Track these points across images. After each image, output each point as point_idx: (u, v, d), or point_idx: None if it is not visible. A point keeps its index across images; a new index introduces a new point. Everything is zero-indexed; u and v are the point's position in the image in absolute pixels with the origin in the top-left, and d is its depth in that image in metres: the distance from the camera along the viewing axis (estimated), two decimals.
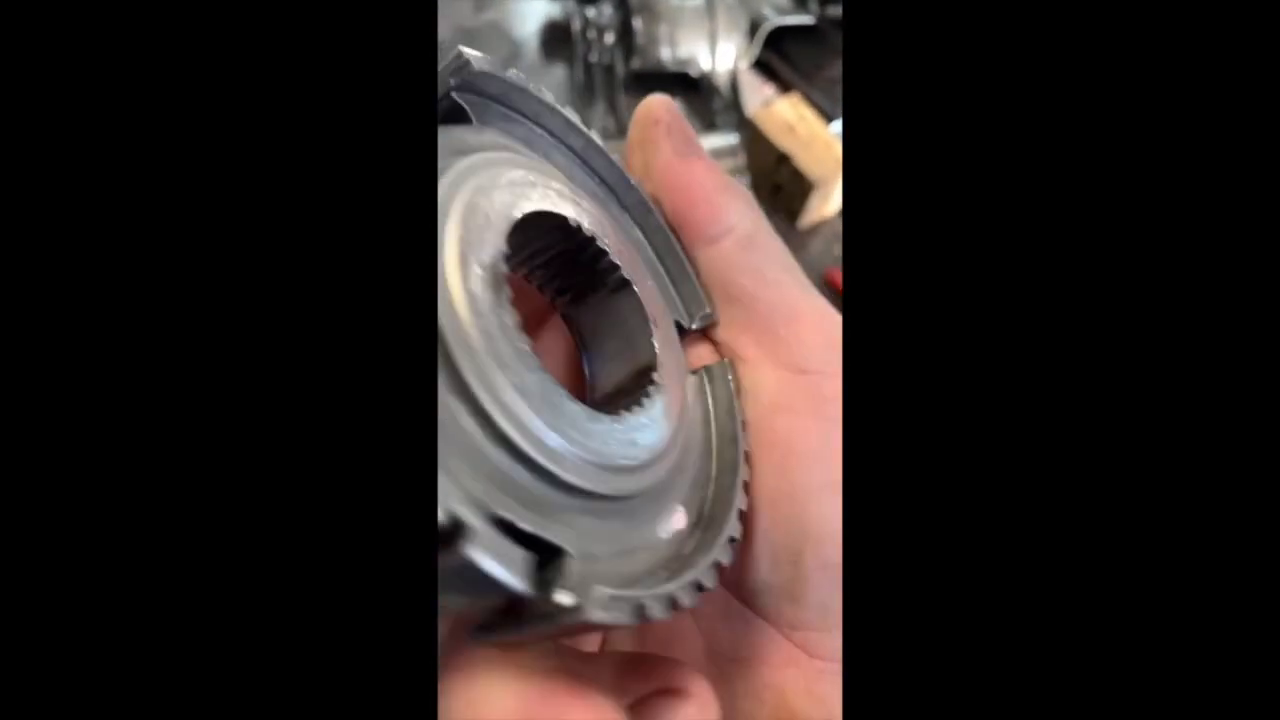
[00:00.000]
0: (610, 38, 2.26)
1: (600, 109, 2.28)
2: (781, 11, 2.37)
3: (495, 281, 0.37)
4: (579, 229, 0.44)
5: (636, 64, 2.28)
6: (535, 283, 0.52)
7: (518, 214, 0.40)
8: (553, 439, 0.37)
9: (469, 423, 0.35)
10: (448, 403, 0.35)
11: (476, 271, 0.37)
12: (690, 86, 2.30)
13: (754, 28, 2.31)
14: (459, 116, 0.43)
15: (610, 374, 0.51)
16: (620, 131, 2.23)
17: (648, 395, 0.44)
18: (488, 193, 0.39)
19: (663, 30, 2.26)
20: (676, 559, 0.42)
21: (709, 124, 2.21)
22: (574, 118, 0.48)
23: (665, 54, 2.28)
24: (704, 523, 0.45)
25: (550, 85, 2.55)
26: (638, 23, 2.25)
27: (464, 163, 0.40)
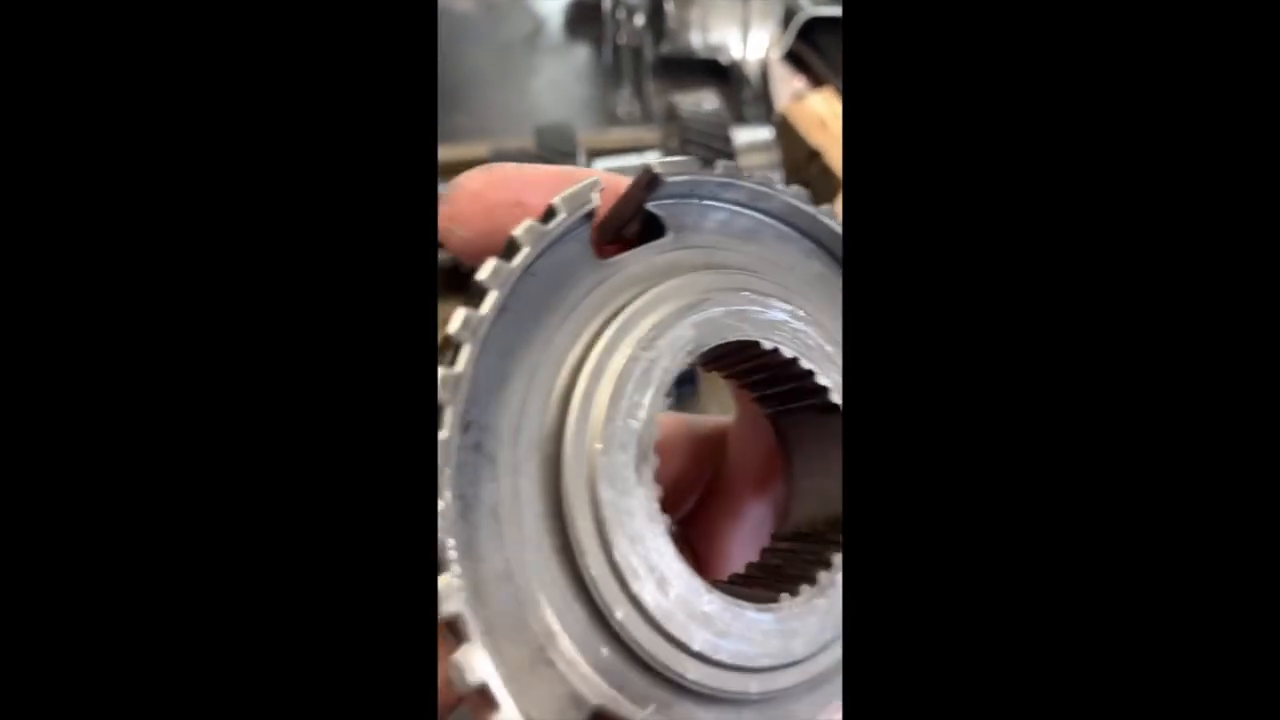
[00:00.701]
0: (640, 19, 2.19)
1: (626, 93, 2.21)
2: (817, 1, 2.30)
3: (643, 452, 0.32)
4: (775, 351, 0.37)
5: (666, 48, 2.22)
6: (736, 382, 0.44)
7: (688, 358, 0.35)
8: (684, 634, 0.32)
9: (581, 613, 0.31)
10: (566, 592, 0.31)
11: (621, 440, 0.32)
12: (719, 74, 2.24)
13: (788, 17, 2.24)
14: (653, 230, 0.38)
15: (803, 507, 0.43)
16: (646, 117, 2.17)
17: (827, 567, 0.35)
18: (655, 338, 0.35)
19: (695, 15, 2.20)
20: None
21: (737, 115, 2.15)
22: (796, 201, 0.40)
23: (696, 39, 2.22)
24: None
25: (574, 66, 2.49)
26: (669, 5, 2.18)
27: (632, 307, 0.35)
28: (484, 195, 0.39)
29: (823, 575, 0.35)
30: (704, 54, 2.23)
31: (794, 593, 0.34)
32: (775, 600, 0.34)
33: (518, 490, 0.32)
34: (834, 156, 1.90)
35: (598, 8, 2.27)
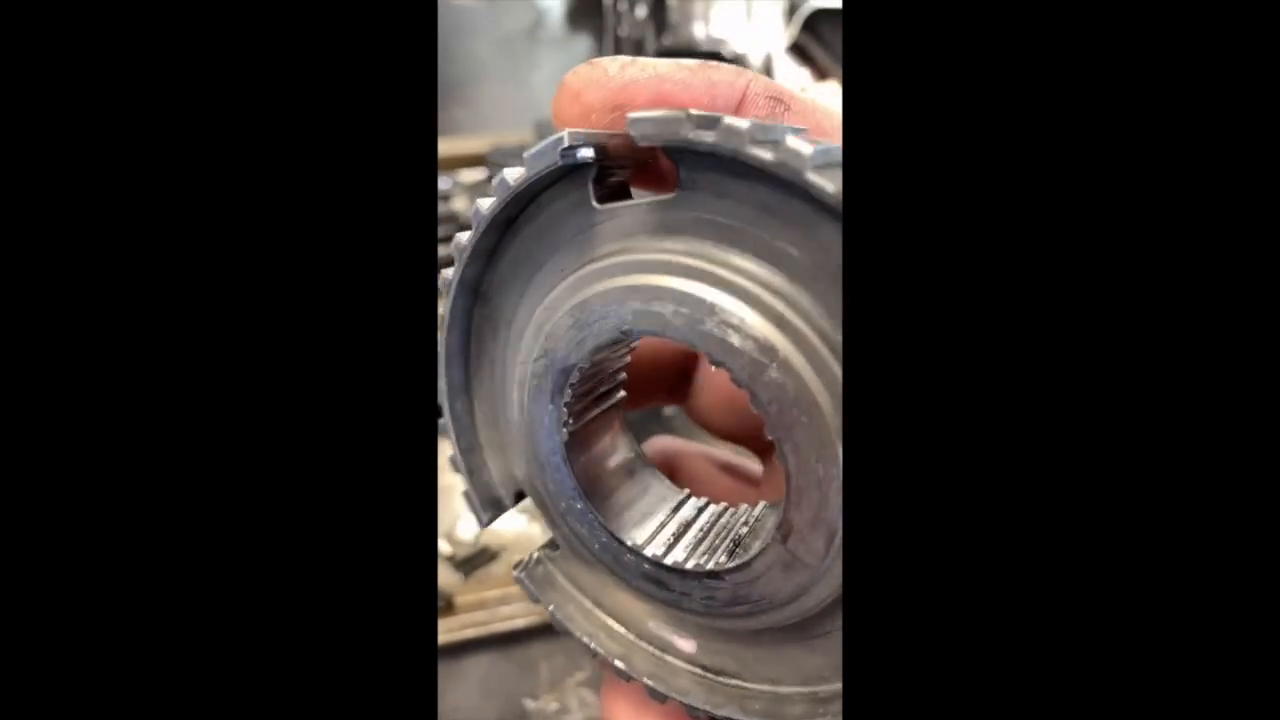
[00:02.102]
0: (642, 10, 2.17)
1: None
2: None
3: (558, 387, 0.41)
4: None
5: (668, 40, 2.19)
6: None
7: (620, 334, 0.38)
8: (549, 455, 0.45)
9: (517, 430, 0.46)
10: (516, 419, 0.45)
11: (544, 370, 0.41)
12: None
13: (792, 9, 2.22)
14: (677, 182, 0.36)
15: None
16: None
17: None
18: (595, 305, 0.39)
19: (697, 7, 2.17)
20: None
21: None
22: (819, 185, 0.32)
23: (699, 31, 2.20)
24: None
25: (575, 59, 2.46)
26: None
27: (598, 264, 0.39)
28: (582, 97, 0.40)
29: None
30: (707, 46, 2.21)
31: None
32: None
33: (505, 356, 0.45)
34: None
35: (599, 0, 2.25)
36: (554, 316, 0.40)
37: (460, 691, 1.46)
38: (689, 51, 2.23)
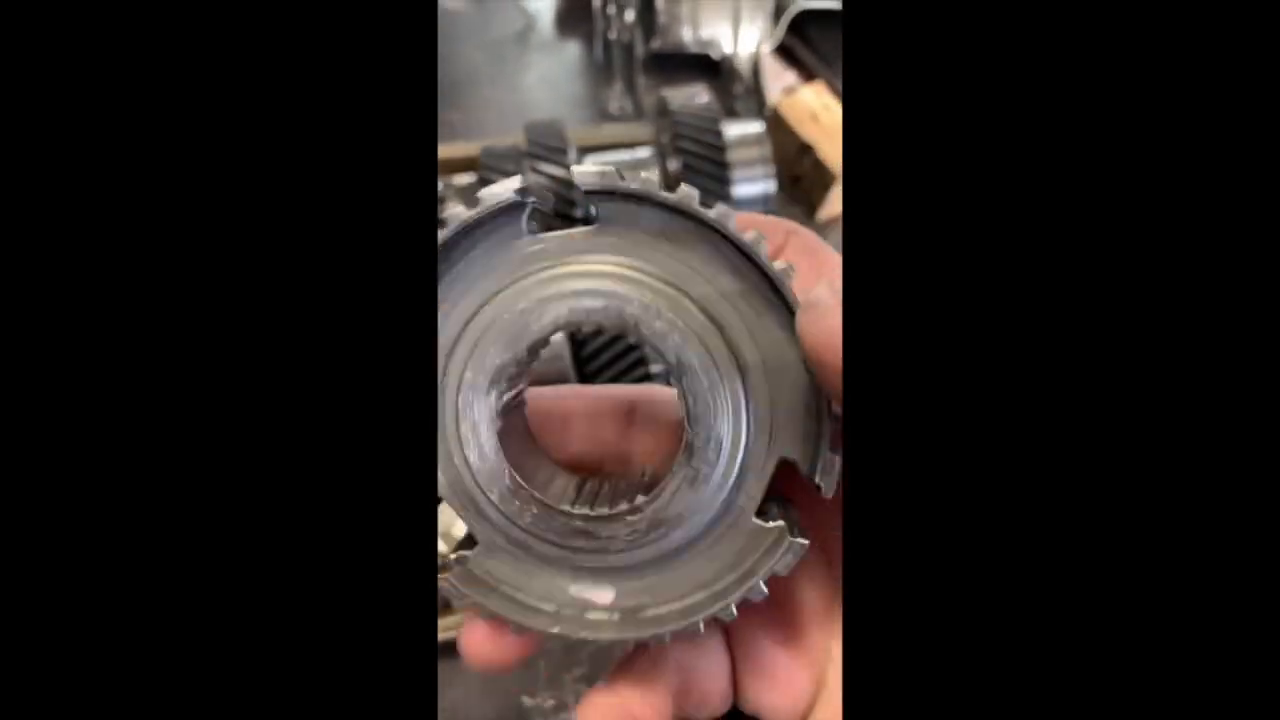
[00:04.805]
0: (631, 15, 2.18)
1: (618, 89, 2.20)
2: None
3: (493, 380, 0.49)
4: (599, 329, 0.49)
5: (657, 44, 2.21)
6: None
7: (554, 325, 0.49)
8: (486, 481, 0.52)
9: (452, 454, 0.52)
10: (451, 440, 0.52)
11: (482, 370, 0.49)
12: (710, 69, 2.23)
13: (779, 11, 2.24)
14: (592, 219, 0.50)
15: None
16: (637, 113, 2.16)
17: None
18: (532, 302, 0.49)
19: (685, 10, 2.18)
20: None
21: (729, 109, 2.14)
22: (702, 212, 0.47)
23: (686, 34, 2.21)
24: None
25: (565, 63, 2.47)
26: (660, 1, 2.17)
27: (531, 278, 0.49)
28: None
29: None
30: (695, 49, 2.22)
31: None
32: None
33: (454, 380, 0.51)
34: (826, 150, 1.90)
35: (588, 4, 2.26)
36: (495, 322, 0.50)
37: (459, 689, 1.47)
38: (678, 54, 2.24)
